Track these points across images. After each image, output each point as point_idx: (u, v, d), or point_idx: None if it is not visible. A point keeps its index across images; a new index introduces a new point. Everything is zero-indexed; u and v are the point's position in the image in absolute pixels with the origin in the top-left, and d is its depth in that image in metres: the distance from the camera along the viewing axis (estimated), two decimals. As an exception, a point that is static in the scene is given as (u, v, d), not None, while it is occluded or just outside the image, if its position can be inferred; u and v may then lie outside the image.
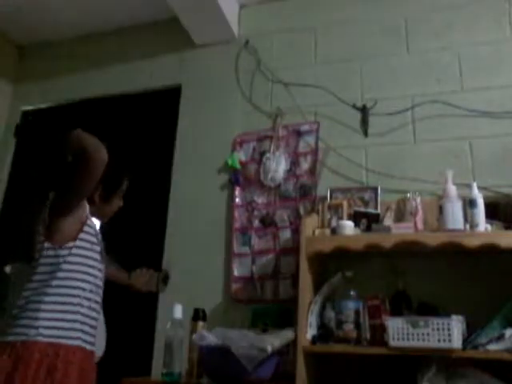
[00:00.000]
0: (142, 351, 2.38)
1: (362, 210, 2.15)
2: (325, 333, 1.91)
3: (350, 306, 1.89)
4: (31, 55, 3.35)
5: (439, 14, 2.45)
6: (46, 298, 1.49)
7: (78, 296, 1.54)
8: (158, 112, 2.92)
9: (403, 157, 2.28)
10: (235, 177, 2.50)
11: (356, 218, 2.09)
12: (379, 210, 2.15)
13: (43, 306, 1.49)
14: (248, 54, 2.74)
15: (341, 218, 2.12)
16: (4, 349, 1.43)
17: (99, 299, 1.65)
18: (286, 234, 2.34)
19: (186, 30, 2.77)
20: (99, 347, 1.78)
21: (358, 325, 1.87)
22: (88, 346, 1.56)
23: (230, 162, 2.52)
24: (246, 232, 2.41)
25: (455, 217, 1.81)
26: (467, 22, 2.40)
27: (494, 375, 1.67)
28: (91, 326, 1.58)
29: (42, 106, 3.22)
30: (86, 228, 1.61)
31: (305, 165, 2.42)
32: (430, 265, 2.02)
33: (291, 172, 2.43)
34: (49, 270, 1.53)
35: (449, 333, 1.63)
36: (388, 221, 2.09)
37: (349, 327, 1.86)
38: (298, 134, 2.48)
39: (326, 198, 2.29)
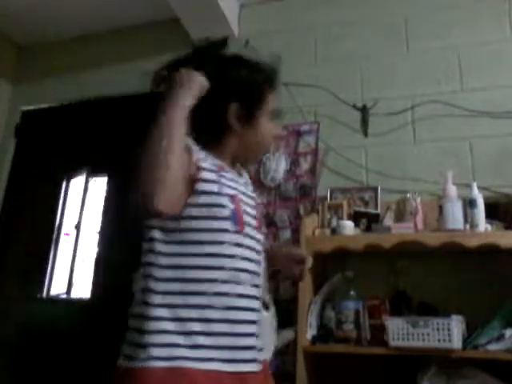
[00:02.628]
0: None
1: (362, 209, 2.16)
2: (325, 333, 1.91)
3: (350, 306, 1.89)
4: (31, 55, 3.35)
5: (439, 14, 2.45)
6: (155, 299, 1.01)
7: (204, 294, 1.00)
8: (157, 112, 2.91)
9: (403, 157, 2.28)
10: (235, 177, 2.50)
11: (356, 218, 2.10)
12: (379, 210, 2.15)
13: (151, 312, 1.00)
14: (248, 54, 2.74)
15: (341, 218, 2.12)
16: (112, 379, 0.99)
17: (253, 291, 1.07)
18: (285, 234, 2.34)
19: (186, 30, 2.77)
20: (267, 350, 1.39)
21: (358, 325, 1.87)
22: (229, 367, 0.98)
23: (230, 162, 2.52)
24: (246, 232, 2.40)
25: (455, 217, 1.82)
26: (467, 21, 2.39)
27: (494, 375, 1.67)
28: (233, 335, 1.01)
29: (42, 105, 3.22)
30: (200, 186, 1.04)
31: (305, 165, 2.42)
32: (430, 265, 2.02)
33: (291, 172, 2.43)
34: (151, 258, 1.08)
35: (449, 333, 1.63)
36: (388, 221, 2.09)
37: (349, 327, 1.86)
38: (298, 134, 2.48)
39: (326, 198, 2.29)
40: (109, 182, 2.90)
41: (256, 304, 1.08)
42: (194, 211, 1.03)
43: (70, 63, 3.17)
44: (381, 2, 2.59)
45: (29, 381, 2.61)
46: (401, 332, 1.70)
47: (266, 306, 1.38)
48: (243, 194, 1.13)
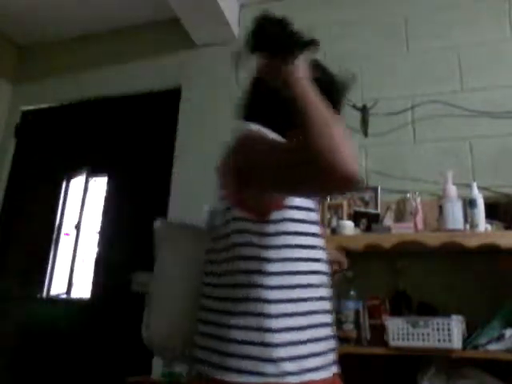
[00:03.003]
0: (142, 351, 2.37)
1: (362, 210, 2.15)
2: (325, 333, 1.91)
3: (350, 305, 1.89)
4: (31, 55, 3.35)
5: (439, 14, 2.45)
6: (272, 309, 0.92)
7: (310, 299, 0.97)
8: (158, 112, 2.92)
9: (403, 157, 2.27)
10: (235, 177, 2.50)
11: (356, 218, 2.09)
12: (379, 210, 2.15)
13: (272, 323, 0.92)
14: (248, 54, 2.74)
15: (341, 218, 2.12)
16: None
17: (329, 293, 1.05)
18: (286, 234, 2.34)
19: (186, 30, 2.77)
20: None
21: (358, 325, 1.87)
22: (329, 372, 0.97)
23: (230, 162, 2.52)
24: (246, 232, 2.40)
25: (455, 217, 1.82)
26: (467, 21, 2.39)
27: (494, 375, 1.67)
28: (329, 338, 1.00)
29: (42, 105, 3.22)
30: None
31: (305, 165, 2.41)
32: (430, 265, 2.02)
33: (291, 172, 2.43)
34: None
35: (449, 333, 1.63)
36: (388, 221, 2.09)
37: (349, 327, 1.86)
38: (298, 134, 2.47)
39: (325, 198, 2.28)
40: (109, 182, 2.90)
41: None
42: (297, 214, 0.98)
43: (70, 63, 3.17)
44: (381, 2, 2.59)
45: (29, 381, 2.61)
46: (401, 332, 1.70)
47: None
48: None
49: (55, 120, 3.17)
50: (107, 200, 2.85)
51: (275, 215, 0.96)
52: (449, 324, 1.64)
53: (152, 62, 2.96)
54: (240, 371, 0.88)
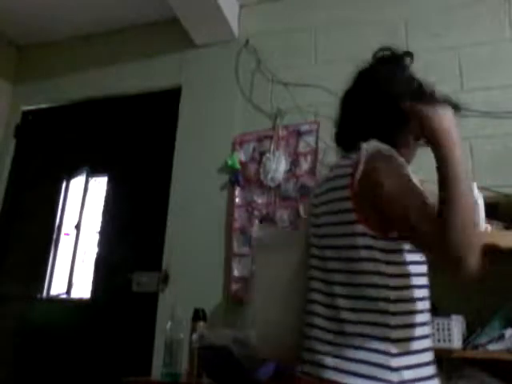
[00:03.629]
0: (142, 351, 2.38)
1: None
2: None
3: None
4: (31, 55, 3.35)
5: (439, 14, 2.45)
6: (397, 321, 0.99)
7: (422, 312, 1.05)
8: (158, 112, 2.92)
9: (403, 157, 2.27)
10: (235, 177, 2.50)
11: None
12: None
13: (395, 334, 0.99)
14: (248, 54, 2.74)
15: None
16: None
17: None
18: (286, 234, 2.34)
19: (186, 30, 2.77)
20: None
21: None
22: None
23: (229, 162, 2.52)
24: (245, 232, 2.40)
25: (455, 217, 1.81)
26: (467, 22, 2.39)
27: (493, 375, 1.67)
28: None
29: (42, 105, 3.22)
30: None
31: (305, 165, 2.42)
32: (430, 265, 2.01)
33: (291, 172, 2.43)
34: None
35: (449, 333, 1.63)
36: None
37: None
38: (298, 134, 2.48)
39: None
40: (109, 182, 2.90)
41: None
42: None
43: (69, 63, 3.17)
44: (381, 2, 2.59)
45: (29, 380, 2.61)
46: (401, 332, 1.70)
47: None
48: None
49: (55, 120, 3.17)
50: (107, 200, 2.85)
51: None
52: (449, 324, 1.64)
53: (152, 62, 2.96)
54: (360, 375, 0.94)
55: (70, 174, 3.02)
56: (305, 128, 2.47)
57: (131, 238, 2.70)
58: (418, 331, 1.00)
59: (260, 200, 2.44)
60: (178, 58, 2.89)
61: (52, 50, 3.29)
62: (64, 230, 2.94)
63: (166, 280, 2.45)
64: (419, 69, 2.47)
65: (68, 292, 2.75)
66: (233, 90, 2.71)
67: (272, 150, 2.48)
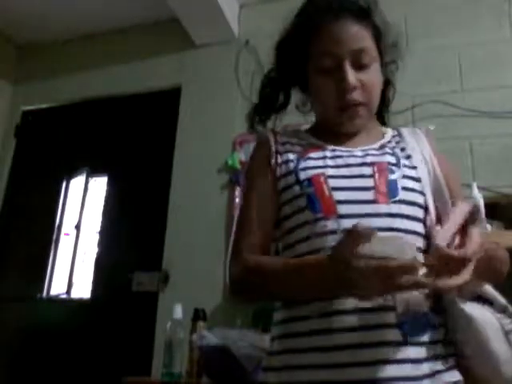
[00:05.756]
0: (141, 351, 2.38)
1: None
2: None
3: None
4: (31, 55, 3.35)
5: (439, 14, 2.45)
6: None
7: None
8: (157, 112, 2.92)
9: (403, 157, 2.27)
10: (235, 177, 2.50)
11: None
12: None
13: None
14: (248, 54, 2.74)
15: (341, 218, 2.12)
16: None
17: None
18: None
19: (186, 30, 2.77)
20: None
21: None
22: None
23: (230, 162, 2.52)
24: (246, 232, 2.40)
25: (455, 217, 1.81)
26: (467, 21, 2.39)
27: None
28: None
29: (42, 106, 3.22)
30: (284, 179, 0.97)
31: (305, 165, 2.41)
32: (430, 265, 2.02)
33: (291, 172, 2.43)
34: None
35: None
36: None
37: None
38: (298, 134, 2.47)
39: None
40: (109, 182, 2.90)
41: None
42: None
43: (70, 63, 3.17)
44: (381, 2, 2.58)
45: (28, 380, 2.61)
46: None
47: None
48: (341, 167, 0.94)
49: (55, 120, 3.17)
50: (107, 200, 2.85)
51: None
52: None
53: (152, 61, 2.96)
54: None
55: (70, 174, 3.02)
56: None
57: (131, 238, 2.70)
58: None
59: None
60: (178, 58, 2.90)
61: (52, 50, 3.29)
62: (64, 229, 2.94)
63: (166, 280, 2.45)
64: (419, 69, 2.48)
65: (68, 292, 2.75)
66: (233, 89, 2.71)
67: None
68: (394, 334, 0.80)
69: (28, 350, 2.67)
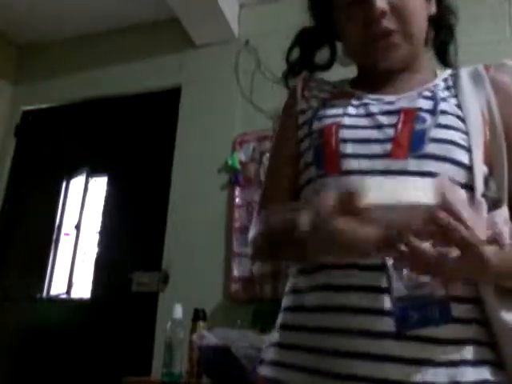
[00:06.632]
0: (141, 351, 2.38)
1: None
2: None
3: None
4: (31, 55, 3.35)
5: (439, 14, 2.45)
6: None
7: None
8: (157, 112, 2.92)
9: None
10: (235, 177, 2.50)
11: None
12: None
13: None
14: (248, 54, 2.74)
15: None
16: None
17: None
18: (285, 234, 2.34)
19: (186, 30, 2.77)
20: None
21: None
22: None
23: (230, 162, 2.52)
24: (245, 232, 2.40)
25: (455, 217, 1.81)
26: (467, 22, 2.39)
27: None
28: None
29: (42, 106, 3.22)
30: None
31: (305, 165, 2.42)
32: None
33: (291, 172, 2.43)
34: None
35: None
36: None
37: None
38: (298, 134, 2.47)
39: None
40: (109, 182, 2.91)
41: None
42: None
43: (69, 63, 3.17)
44: (381, 2, 2.59)
45: (29, 380, 2.61)
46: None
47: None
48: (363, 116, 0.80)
49: (55, 120, 3.17)
50: (107, 200, 2.85)
51: None
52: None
53: (152, 61, 2.96)
54: None
55: (70, 174, 3.02)
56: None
57: (131, 237, 2.70)
58: None
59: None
60: (178, 58, 2.90)
61: (52, 50, 3.29)
62: (64, 229, 2.94)
63: (166, 280, 2.45)
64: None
65: (68, 292, 2.75)
66: (233, 90, 2.71)
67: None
68: (384, 323, 0.65)
69: (28, 350, 2.67)
